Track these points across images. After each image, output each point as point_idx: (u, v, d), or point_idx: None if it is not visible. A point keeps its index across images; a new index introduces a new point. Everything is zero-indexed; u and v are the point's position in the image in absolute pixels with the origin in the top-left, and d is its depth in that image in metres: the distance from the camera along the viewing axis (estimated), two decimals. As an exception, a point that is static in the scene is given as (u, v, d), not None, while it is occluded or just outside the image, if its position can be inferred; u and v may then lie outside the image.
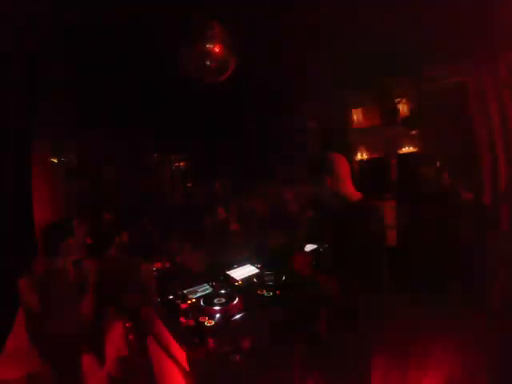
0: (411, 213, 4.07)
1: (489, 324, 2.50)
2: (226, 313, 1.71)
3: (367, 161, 5.86)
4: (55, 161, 6.08)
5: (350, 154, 5.66)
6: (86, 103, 4.44)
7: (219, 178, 5.04)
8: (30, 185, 3.70)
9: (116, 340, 1.93)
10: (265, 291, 1.98)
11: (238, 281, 2.18)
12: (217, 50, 2.56)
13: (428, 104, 5.02)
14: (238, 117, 5.65)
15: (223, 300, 1.83)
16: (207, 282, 2.14)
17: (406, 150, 6.66)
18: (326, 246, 2.98)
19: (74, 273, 1.92)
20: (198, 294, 1.97)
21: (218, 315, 1.69)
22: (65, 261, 1.90)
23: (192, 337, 1.53)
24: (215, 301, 1.82)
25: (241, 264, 2.46)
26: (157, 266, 2.66)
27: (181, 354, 1.54)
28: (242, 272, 2.33)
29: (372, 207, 1.50)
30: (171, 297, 1.94)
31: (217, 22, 2.55)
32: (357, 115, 6.11)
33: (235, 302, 1.81)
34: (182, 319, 1.67)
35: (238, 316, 1.70)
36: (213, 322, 1.62)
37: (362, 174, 5.60)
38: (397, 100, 5.19)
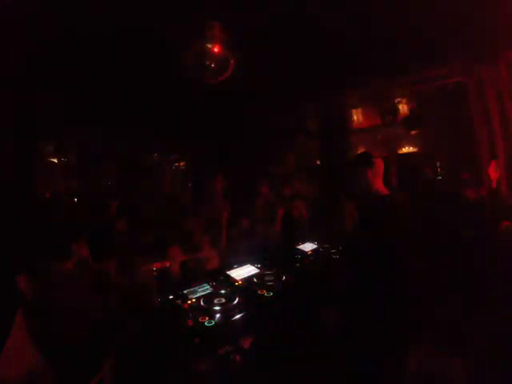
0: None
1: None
2: (226, 313, 1.71)
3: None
4: (55, 161, 6.09)
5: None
6: (86, 103, 4.44)
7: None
8: (30, 184, 3.70)
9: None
10: (265, 291, 1.98)
11: (237, 281, 2.18)
12: (216, 50, 2.56)
13: (428, 104, 5.02)
14: (239, 117, 5.64)
15: (223, 300, 1.83)
16: (207, 282, 2.14)
17: (405, 149, 6.67)
18: (327, 245, 3.00)
19: (80, 274, 1.92)
20: (198, 294, 1.96)
21: (217, 315, 1.69)
22: (72, 261, 1.90)
23: (192, 337, 1.53)
24: (215, 301, 1.82)
25: (241, 264, 2.46)
26: (157, 266, 2.66)
27: (181, 354, 1.54)
28: (242, 272, 2.33)
29: (399, 201, 1.81)
30: (171, 297, 1.94)
31: (217, 22, 2.55)
32: (357, 115, 6.11)
33: (235, 301, 1.81)
34: (182, 319, 1.66)
35: (237, 316, 1.70)
36: (213, 322, 1.62)
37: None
38: (397, 100, 5.19)
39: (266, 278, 2.18)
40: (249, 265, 2.46)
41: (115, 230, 3.48)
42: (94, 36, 2.94)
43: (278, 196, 4.36)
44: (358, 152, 1.90)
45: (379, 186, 1.80)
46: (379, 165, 1.83)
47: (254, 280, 2.19)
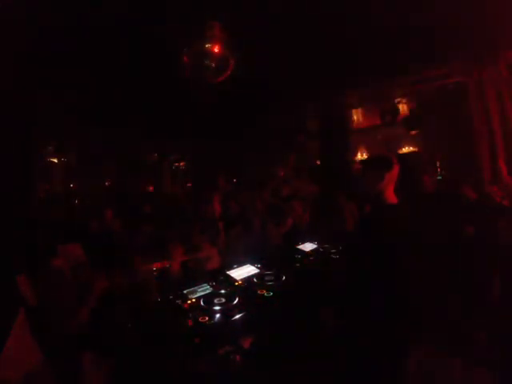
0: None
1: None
2: (226, 313, 1.71)
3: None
4: (55, 161, 6.10)
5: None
6: (86, 103, 4.44)
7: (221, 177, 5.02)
8: (30, 184, 3.70)
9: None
10: (265, 291, 1.98)
11: (237, 281, 2.18)
12: (216, 50, 2.56)
13: (428, 104, 5.02)
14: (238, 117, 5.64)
15: (223, 300, 1.83)
16: (207, 282, 2.14)
17: (406, 149, 6.67)
18: (327, 245, 3.00)
19: (76, 275, 1.93)
20: (198, 294, 1.96)
21: (217, 315, 1.69)
22: (64, 262, 1.91)
23: (192, 337, 1.53)
24: (215, 301, 1.82)
25: (241, 264, 2.46)
26: (156, 266, 2.66)
27: (181, 354, 1.54)
28: (242, 272, 2.33)
29: (404, 211, 1.70)
30: (171, 297, 1.94)
31: (217, 22, 2.55)
32: (357, 115, 6.11)
33: (235, 301, 1.81)
34: (182, 319, 1.67)
35: (237, 316, 1.70)
36: (213, 322, 1.62)
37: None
38: (397, 100, 5.18)
39: (266, 278, 2.18)
40: (249, 265, 2.46)
41: (113, 231, 3.48)
42: (94, 36, 2.95)
43: (276, 196, 4.36)
44: (375, 154, 1.82)
45: (389, 192, 1.72)
46: (396, 170, 1.74)
47: (254, 280, 2.19)
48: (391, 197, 1.69)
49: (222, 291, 1.97)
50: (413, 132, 5.75)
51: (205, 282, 2.13)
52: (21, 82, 3.35)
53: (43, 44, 2.94)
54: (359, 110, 5.98)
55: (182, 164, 10.42)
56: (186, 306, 1.81)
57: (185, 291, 1.99)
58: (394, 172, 1.69)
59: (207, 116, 5.46)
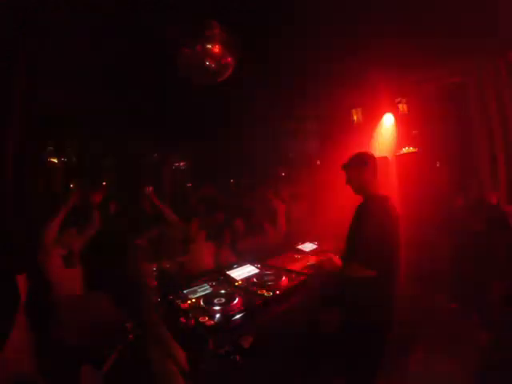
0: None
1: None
2: (226, 313, 1.71)
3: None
4: (55, 161, 6.09)
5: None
6: (86, 103, 4.44)
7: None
8: (30, 184, 3.69)
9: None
10: (265, 291, 1.98)
11: (237, 281, 2.18)
12: (216, 50, 2.56)
13: (428, 104, 5.02)
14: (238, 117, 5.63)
15: (223, 300, 1.83)
16: (207, 282, 2.14)
17: (406, 150, 6.65)
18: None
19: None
20: (198, 294, 1.97)
21: (217, 315, 1.69)
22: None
23: (192, 337, 1.53)
24: (215, 301, 1.82)
25: (241, 264, 2.47)
26: (156, 266, 2.66)
27: (181, 354, 1.54)
28: (242, 272, 2.33)
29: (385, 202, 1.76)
30: (171, 297, 1.94)
31: (216, 22, 2.54)
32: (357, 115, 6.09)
33: (235, 301, 1.81)
34: (182, 319, 1.67)
35: (237, 316, 1.70)
36: (213, 322, 1.62)
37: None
38: (397, 100, 5.18)
39: (266, 278, 2.19)
40: (249, 265, 2.46)
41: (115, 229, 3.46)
42: (93, 36, 2.94)
43: (276, 196, 4.36)
44: (356, 152, 1.91)
45: (373, 186, 1.79)
46: (373, 165, 1.83)
47: (254, 280, 2.19)
48: (376, 189, 1.79)
49: (222, 291, 1.98)
50: (413, 132, 5.75)
51: (205, 282, 2.14)
52: (21, 81, 3.34)
53: (43, 44, 2.93)
54: (359, 110, 5.97)
55: (182, 164, 10.39)
56: (186, 305, 1.82)
57: (185, 291, 2.00)
58: (371, 166, 1.80)
59: (207, 116, 5.45)
